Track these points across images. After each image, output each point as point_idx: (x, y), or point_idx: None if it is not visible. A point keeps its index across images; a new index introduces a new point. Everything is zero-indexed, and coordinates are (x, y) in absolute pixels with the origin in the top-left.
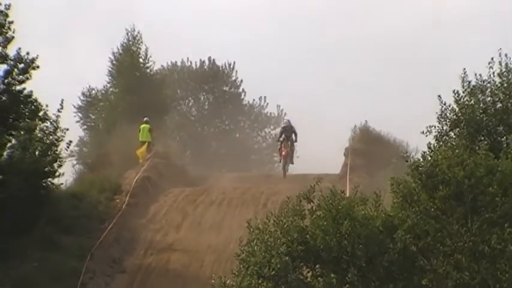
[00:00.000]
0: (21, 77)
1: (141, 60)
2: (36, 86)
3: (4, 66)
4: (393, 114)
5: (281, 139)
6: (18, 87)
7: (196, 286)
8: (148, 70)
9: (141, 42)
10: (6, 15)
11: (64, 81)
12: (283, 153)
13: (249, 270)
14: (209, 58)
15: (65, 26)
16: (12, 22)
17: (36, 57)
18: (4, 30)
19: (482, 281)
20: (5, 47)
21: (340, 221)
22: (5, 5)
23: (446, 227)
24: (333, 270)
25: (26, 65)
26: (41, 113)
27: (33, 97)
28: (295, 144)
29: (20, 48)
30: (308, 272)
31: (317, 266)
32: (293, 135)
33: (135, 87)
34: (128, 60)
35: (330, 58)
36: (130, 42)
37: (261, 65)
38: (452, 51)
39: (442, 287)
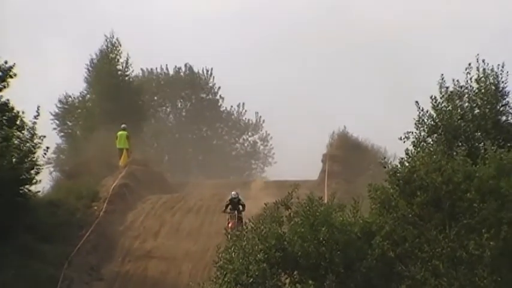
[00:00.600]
0: None
1: (119, 67)
2: (12, 92)
3: None
4: (371, 120)
5: (228, 211)
6: None
7: None
8: (126, 77)
9: (120, 49)
10: None
11: (39, 89)
12: (230, 224)
13: (226, 277)
14: (185, 65)
15: (39, 34)
16: None
17: (13, 66)
18: None
19: (460, 286)
20: None
21: (318, 228)
22: None
23: (424, 233)
24: (311, 277)
25: (3, 73)
26: (18, 121)
27: (11, 105)
28: (243, 213)
29: None
30: (286, 278)
31: (295, 272)
32: (240, 207)
33: (113, 93)
34: (106, 67)
35: (307, 63)
36: (109, 49)
37: (238, 72)
38: (430, 58)
39: None
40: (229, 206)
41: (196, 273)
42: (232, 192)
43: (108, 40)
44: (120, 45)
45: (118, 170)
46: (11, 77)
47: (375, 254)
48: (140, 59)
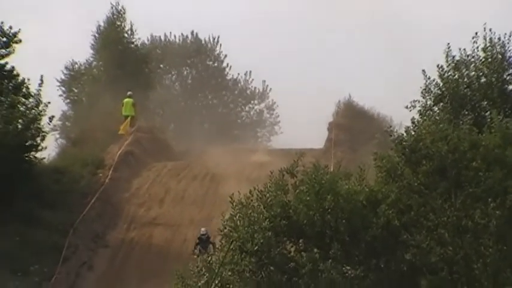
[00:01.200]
0: (3, 51)
1: (125, 34)
2: (18, 60)
3: None
4: (377, 89)
5: (196, 251)
6: (0, 62)
7: (179, 261)
8: (132, 45)
9: (125, 16)
10: None
11: (46, 55)
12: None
13: (231, 245)
14: (192, 32)
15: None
16: None
17: (19, 31)
18: None
19: (465, 255)
20: None
21: (323, 196)
22: None
23: (429, 202)
24: (316, 245)
25: (8, 39)
26: (23, 89)
27: (16, 72)
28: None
29: (2, 22)
30: (291, 246)
31: (300, 241)
32: (210, 247)
33: (118, 61)
34: (112, 34)
35: (315, 31)
36: (115, 16)
37: (245, 39)
38: (438, 26)
39: (425, 261)
40: (198, 246)
41: None
42: (202, 229)
43: (114, 7)
44: (125, 13)
45: (123, 138)
46: (15, 42)
47: (380, 223)
48: (146, 26)
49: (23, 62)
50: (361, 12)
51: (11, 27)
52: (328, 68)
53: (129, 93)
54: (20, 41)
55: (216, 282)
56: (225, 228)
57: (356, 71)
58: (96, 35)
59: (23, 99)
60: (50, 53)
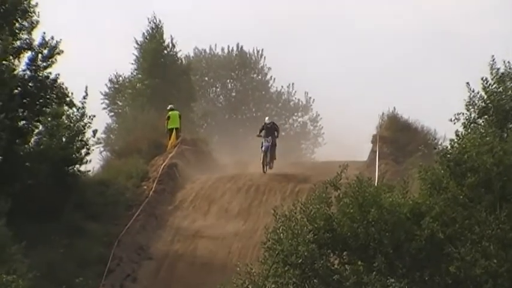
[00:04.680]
0: (46, 62)
1: (165, 47)
2: (63, 74)
3: (29, 53)
4: (421, 102)
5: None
6: (44, 73)
7: (223, 273)
8: (173, 57)
9: (162, 29)
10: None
11: (90, 69)
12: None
13: (275, 258)
14: (237, 45)
15: (90, 13)
16: (36, 5)
17: (60, 41)
18: (29, 15)
19: (510, 268)
20: (29, 32)
21: (367, 208)
22: None
23: (474, 215)
24: (360, 258)
25: (50, 50)
26: (67, 99)
27: (60, 82)
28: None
29: (44, 33)
30: (335, 259)
31: (344, 253)
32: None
33: (160, 73)
34: (152, 47)
35: (358, 44)
36: (154, 30)
37: (289, 52)
38: (482, 40)
39: (469, 274)
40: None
41: (245, 254)
42: (266, 118)
43: (151, 21)
44: (162, 26)
45: (168, 150)
46: (58, 53)
47: (424, 235)
48: (190, 39)
49: (66, 75)
50: (406, 22)
51: (52, 38)
52: (373, 80)
53: (170, 106)
54: (62, 51)
55: None
56: (269, 241)
57: (401, 82)
58: (138, 48)
59: (67, 109)
60: (94, 67)
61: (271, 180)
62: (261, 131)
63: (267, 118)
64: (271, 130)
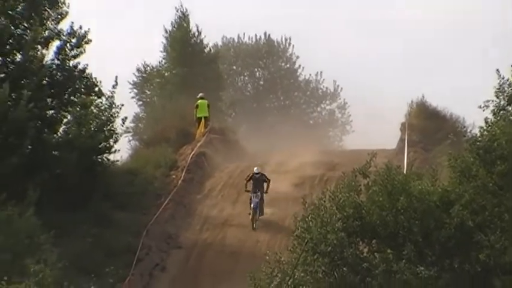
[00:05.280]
0: (74, 51)
1: (192, 36)
2: (91, 63)
3: (58, 42)
4: (450, 89)
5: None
6: (72, 62)
7: (252, 262)
8: (201, 46)
9: (189, 18)
10: None
11: (118, 58)
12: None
13: (304, 246)
14: (265, 33)
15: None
16: None
17: (88, 31)
18: (58, 5)
19: None
20: (58, 22)
21: (396, 196)
22: None
23: (504, 202)
24: (389, 246)
25: (79, 40)
26: (96, 88)
27: (88, 72)
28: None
29: (72, 23)
30: (364, 247)
31: (373, 241)
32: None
33: (188, 62)
34: (180, 36)
35: (387, 32)
36: (181, 19)
37: (317, 40)
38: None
39: (499, 262)
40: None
41: (274, 242)
42: (255, 168)
43: (178, 10)
44: (189, 15)
45: (196, 139)
46: (86, 43)
47: (454, 223)
48: (219, 28)
49: (94, 64)
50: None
51: (80, 27)
52: (400, 67)
53: (200, 94)
54: (90, 41)
55: (289, 283)
56: (298, 229)
57: (428, 70)
58: (166, 36)
59: (95, 99)
60: (122, 55)
61: (299, 169)
62: (248, 181)
63: (255, 168)
64: (260, 182)
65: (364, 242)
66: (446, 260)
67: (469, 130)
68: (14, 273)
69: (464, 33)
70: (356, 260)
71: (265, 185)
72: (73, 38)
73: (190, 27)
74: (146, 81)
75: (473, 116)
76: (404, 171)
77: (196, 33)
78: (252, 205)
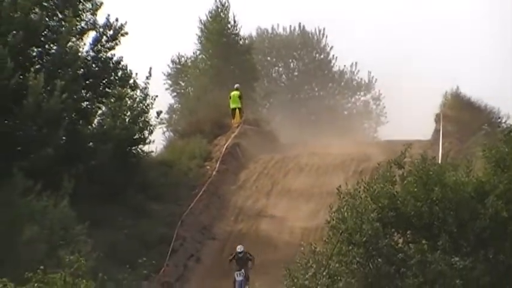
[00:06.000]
0: (110, 43)
1: (229, 27)
2: (126, 55)
3: (93, 34)
4: (485, 80)
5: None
6: (107, 54)
7: (286, 253)
8: (237, 37)
9: (228, 8)
10: None
11: (152, 50)
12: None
13: (339, 236)
14: (299, 24)
15: None
16: None
17: (125, 24)
18: None
19: None
20: (93, 13)
21: (431, 187)
22: None
23: None
24: (424, 237)
25: (115, 32)
26: (130, 80)
27: (123, 64)
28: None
29: (109, 15)
30: (399, 238)
31: (408, 232)
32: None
33: (223, 53)
34: (216, 27)
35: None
36: (219, 9)
37: (351, 30)
38: None
39: None
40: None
41: (308, 234)
42: (238, 247)
43: (217, 0)
44: (229, 5)
45: (230, 130)
46: (122, 35)
47: (489, 214)
48: (253, 18)
49: (129, 56)
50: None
51: (117, 20)
52: (436, 58)
53: (236, 85)
54: (127, 33)
55: (324, 274)
56: (333, 219)
57: (464, 61)
58: (201, 27)
59: (130, 92)
60: (156, 47)
61: (334, 160)
62: (231, 261)
63: (239, 247)
64: (244, 261)
65: (399, 232)
66: (481, 251)
67: (503, 121)
68: (49, 264)
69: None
70: (391, 250)
71: (249, 263)
72: (109, 30)
73: (228, 18)
74: (180, 72)
75: (508, 106)
76: (439, 162)
77: (233, 25)
78: (235, 285)
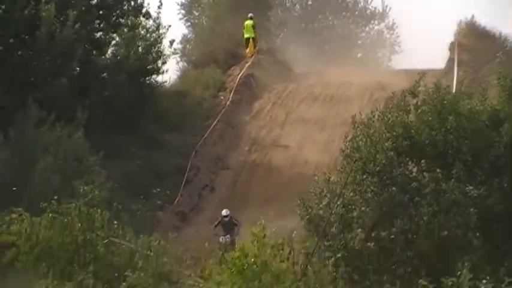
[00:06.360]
0: None
1: None
2: None
3: None
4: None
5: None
6: None
7: (300, 183)
8: None
9: None
10: None
11: None
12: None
13: (353, 165)
14: None
15: None
16: None
17: None
18: None
19: None
20: None
21: (445, 116)
22: None
23: None
24: (438, 165)
25: None
26: (143, 10)
27: None
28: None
29: None
30: (413, 167)
31: (422, 161)
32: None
33: None
34: None
35: None
36: None
37: None
38: None
39: None
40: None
41: (322, 163)
42: (223, 211)
43: None
44: None
45: (244, 60)
46: None
47: (503, 142)
48: None
49: None
50: None
51: None
52: None
53: (250, 15)
54: None
55: (338, 203)
56: (347, 148)
57: None
58: None
59: (143, 21)
60: None
61: (348, 89)
62: (216, 226)
63: (224, 211)
64: (229, 226)
65: (413, 161)
66: (496, 179)
67: None
68: (63, 195)
69: None
70: (405, 179)
71: (236, 228)
72: None
73: None
74: (194, 2)
75: None
76: (454, 91)
77: None
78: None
